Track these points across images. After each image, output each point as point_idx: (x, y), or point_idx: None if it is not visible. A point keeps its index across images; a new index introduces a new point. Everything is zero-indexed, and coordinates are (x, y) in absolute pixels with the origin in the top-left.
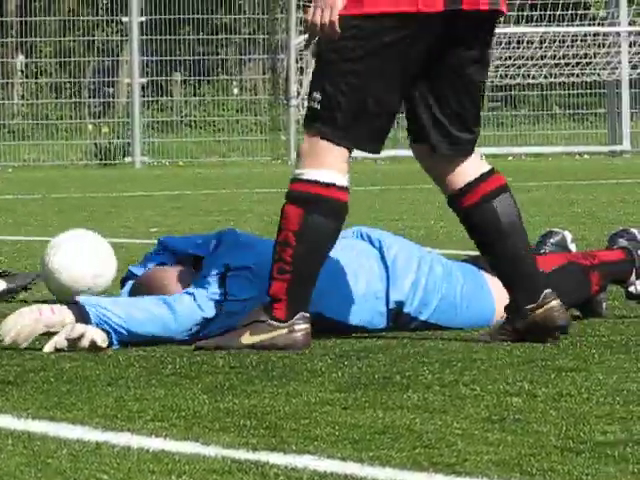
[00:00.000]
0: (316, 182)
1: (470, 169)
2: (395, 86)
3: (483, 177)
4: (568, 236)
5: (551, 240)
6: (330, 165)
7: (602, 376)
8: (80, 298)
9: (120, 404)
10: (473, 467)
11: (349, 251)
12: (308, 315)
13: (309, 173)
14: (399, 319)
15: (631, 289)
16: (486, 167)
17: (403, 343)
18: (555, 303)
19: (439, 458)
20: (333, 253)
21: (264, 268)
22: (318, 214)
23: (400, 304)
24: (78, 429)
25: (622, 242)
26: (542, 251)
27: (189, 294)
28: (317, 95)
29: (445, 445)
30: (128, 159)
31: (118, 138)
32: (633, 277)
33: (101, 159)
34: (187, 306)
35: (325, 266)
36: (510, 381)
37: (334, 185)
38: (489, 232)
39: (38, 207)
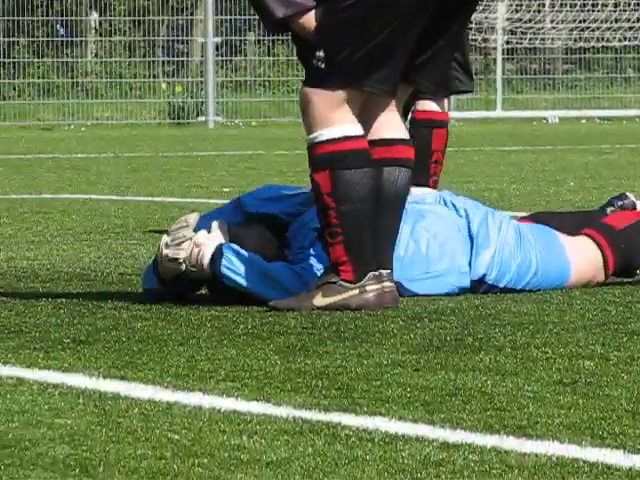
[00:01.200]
0: (332, 140)
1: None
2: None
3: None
4: (639, 204)
5: (619, 202)
6: (341, 119)
7: None
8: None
9: (192, 364)
10: (544, 430)
11: (440, 222)
12: (382, 273)
13: (322, 134)
14: (479, 288)
15: None
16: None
17: (475, 305)
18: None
19: (510, 421)
20: (424, 222)
21: None
22: (345, 169)
23: (482, 277)
24: (149, 389)
25: (619, 203)
26: (608, 210)
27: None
28: (320, 53)
29: (516, 408)
30: (201, 118)
31: (191, 97)
32: None
33: (174, 118)
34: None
35: (422, 235)
36: (582, 344)
37: (350, 137)
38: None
39: (111, 166)
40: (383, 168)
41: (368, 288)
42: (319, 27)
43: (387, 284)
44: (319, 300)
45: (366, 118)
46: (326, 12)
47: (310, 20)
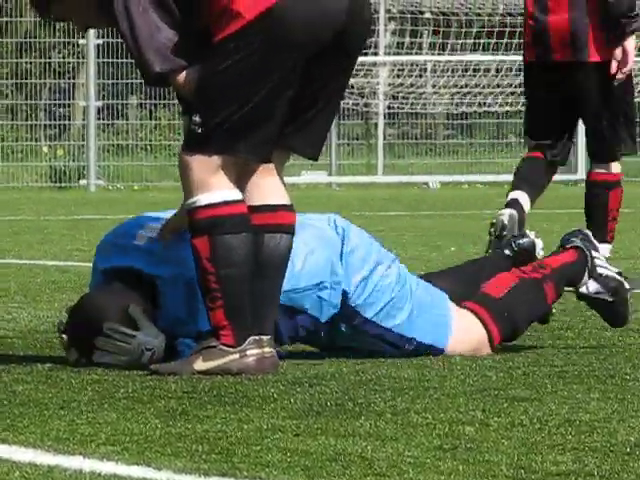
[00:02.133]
0: (210, 205)
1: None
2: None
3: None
4: (539, 244)
5: (520, 241)
6: (219, 184)
7: (554, 406)
8: None
9: (72, 427)
10: None
11: (307, 231)
12: (262, 338)
13: (200, 199)
14: (343, 310)
15: (582, 289)
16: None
17: (355, 370)
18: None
19: None
20: (304, 234)
21: None
22: (223, 234)
23: (345, 295)
24: (30, 452)
25: (572, 242)
26: (506, 251)
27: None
28: (196, 118)
29: (397, 473)
30: (83, 182)
31: (73, 161)
32: (586, 277)
33: (56, 182)
34: None
35: (300, 250)
36: (462, 410)
37: (229, 202)
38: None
39: None
40: (264, 234)
41: (249, 352)
42: (195, 90)
43: (267, 349)
44: (200, 364)
45: (247, 183)
46: (201, 74)
47: (187, 79)
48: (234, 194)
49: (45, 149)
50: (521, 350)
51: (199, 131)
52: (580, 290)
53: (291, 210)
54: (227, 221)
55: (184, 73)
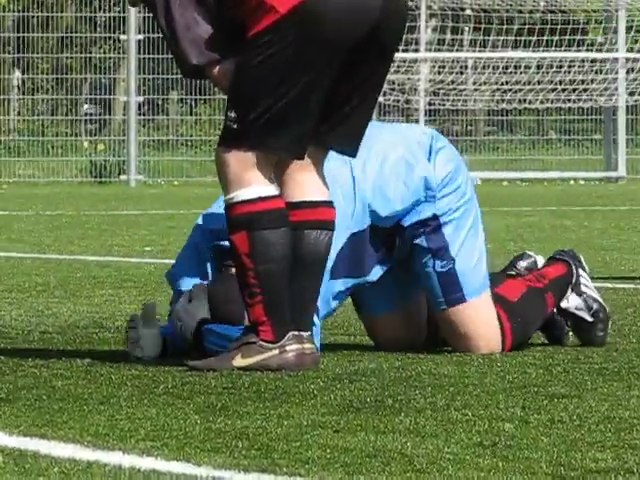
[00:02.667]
0: (248, 201)
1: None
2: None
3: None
4: (540, 260)
5: (522, 263)
6: (256, 180)
7: (594, 403)
8: None
9: (112, 423)
10: None
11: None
12: (302, 334)
13: (238, 195)
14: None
15: (563, 303)
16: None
17: (395, 367)
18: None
19: None
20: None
21: None
22: (261, 229)
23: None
24: (70, 447)
25: (565, 256)
26: (511, 272)
27: None
28: (232, 114)
29: (436, 470)
30: (123, 177)
31: (114, 156)
32: (569, 291)
33: (96, 177)
34: None
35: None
36: (502, 406)
37: (265, 197)
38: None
39: (32, 224)
40: (304, 230)
41: (288, 348)
42: (230, 84)
43: (307, 345)
44: (239, 361)
45: (286, 180)
46: (236, 69)
47: (223, 72)
48: (271, 189)
49: (85, 144)
50: (560, 348)
51: (234, 127)
52: (561, 304)
53: (331, 206)
54: (264, 216)
55: (219, 66)
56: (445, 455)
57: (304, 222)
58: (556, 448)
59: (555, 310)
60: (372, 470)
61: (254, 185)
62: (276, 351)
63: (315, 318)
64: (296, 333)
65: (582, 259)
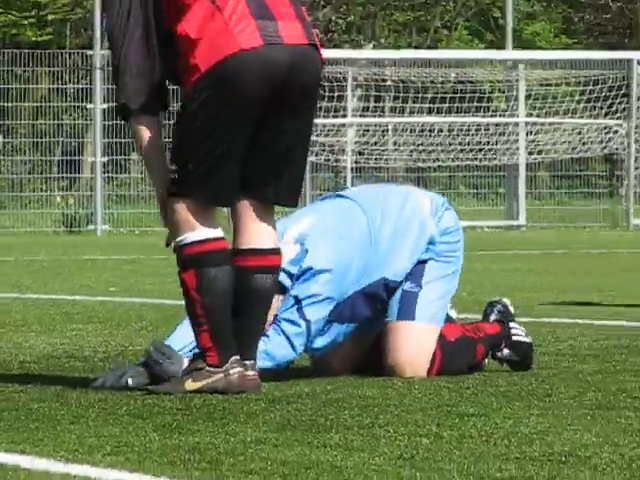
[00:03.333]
0: (196, 242)
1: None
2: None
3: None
4: (507, 302)
5: (497, 308)
6: (202, 223)
7: (499, 421)
8: None
9: (81, 440)
10: None
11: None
12: (246, 362)
13: (186, 237)
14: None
15: (498, 354)
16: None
17: (327, 390)
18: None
19: None
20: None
21: (336, 284)
22: (208, 267)
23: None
24: (44, 461)
25: (496, 312)
26: (491, 317)
27: (284, 335)
28: (171, 166)
29: (363, 479)
30: (91, 227)
31: (83, 209)
32: (503, 344)
33: (68, 226)
34: (284, 348)
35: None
36: (420, 424)
37: (211, 239)
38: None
39: (12, 268)
40: (254, 274)
41: (231, 372)
42: (172, 138)
43: (250, 372)
44: (190, 385)
45: (241, 229)
46: (175, 124)
47: (142, 127)
48: (216, 232)
49: (58, 199)
50: (470, 373)
51: (174, 177)
52: (496, 354)
53: (278, 253)
54: (211, 256)
55: (144, 120)
56: (370, 466)
57: (253, 267)
58: (466, 460)
59: (492, 357)
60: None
61: (200, 228)
62: (221, 375)
63: (302, 321)
64: (238, 357)
65: (509, 306)
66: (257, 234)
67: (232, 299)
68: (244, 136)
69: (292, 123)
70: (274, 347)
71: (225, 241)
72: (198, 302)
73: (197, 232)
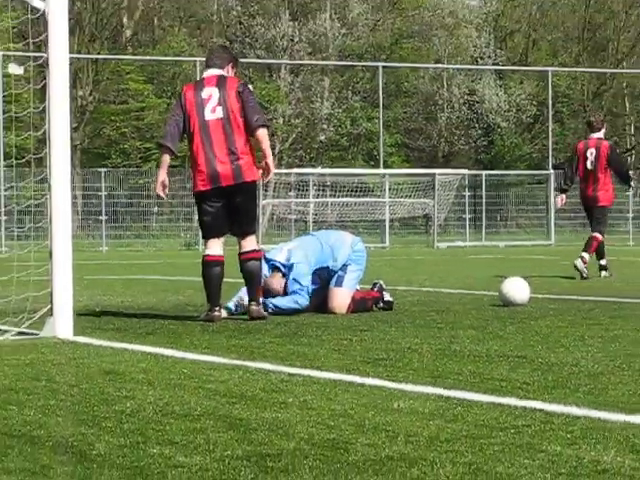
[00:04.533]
0: (207, 255)
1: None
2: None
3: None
4: (382, 281)
5: (377, 284)
6: (211, 246)
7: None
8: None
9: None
10: None
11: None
12: (251, 300)
13: (206, 252)
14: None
15: (378, 305)
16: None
17: (303, 318)
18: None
19: None
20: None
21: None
22: (208, 266)
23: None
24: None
25: (377, 286)
26: (375, 288)
27: (299, 294)
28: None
29: (319, 359)
30: None
31: None
32: (380, 301)
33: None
34: (302, 297)
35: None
36: (346, 327)
37: (214, 255)
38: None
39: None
40: (248, 261)
41: (215, 313)
42: None
43: (254, 307)
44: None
45: (239, 243)
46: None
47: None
48: (214, 251)
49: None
50: (364, 312)
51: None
52: (377, 305)
53: (258, 252)
54: (209, 262)
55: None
56: (318, 353)
57: (249, 258)
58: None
59: (380, 302)
60: None
61: (209, 249)
62: (205, 313)
63: (305, 280)
64: (217, 308)
65: (382, 282)
66: (243, 245)
67: (219, 282)
68: (218, 212)
69: (238, 205)
70: (300, 300)
71: (218, 255)
72: (205, 280)
73: (207, 251)
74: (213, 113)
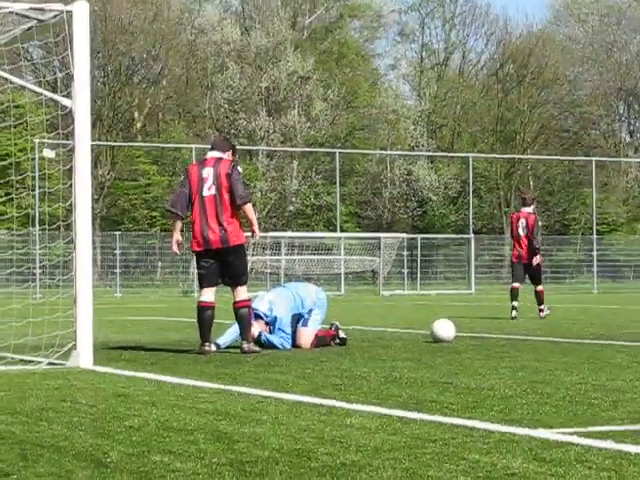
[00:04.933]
0: (201, 301)
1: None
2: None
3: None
4: (337, 323)
5: (334, 324)
6: (205, 294)
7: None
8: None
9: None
10: None
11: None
12: (243, 339)
13: (200, 299)
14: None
15: (335, 341)
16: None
17: (291, 353)
18: None
19: None
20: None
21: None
22: (203, 311)
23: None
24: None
25: (334, 326)
26: (332, 327)
27: (284, 340)
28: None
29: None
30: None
31: None
32: (337, 338)
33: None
34: (285, 341)
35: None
36: (309, 358)
37: (207, 301)
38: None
39: None
40: (240, 309)
41: (206, 348)
42: None
43: (245, 346)
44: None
45: (233, 292)
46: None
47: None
48: (207, 298)
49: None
50: (324, 347)
51: (200, 282)
52: (334, 341)
53: (246, 300)
54: (204, 307)
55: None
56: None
57: (238, 306)
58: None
59: (335, 339)
60: None
61: (203, 295)
62: (199, 347)
63: (288, 329)
64: (207, 343)
65: (338, 323)
66: (235, 295)
67: (210, 322)
68: (212, 266)
69: (228, 261)
70: (286, 345)
71: (210, 302)
72: (198, 321)
73: (201, 297)
74: (209, 190)
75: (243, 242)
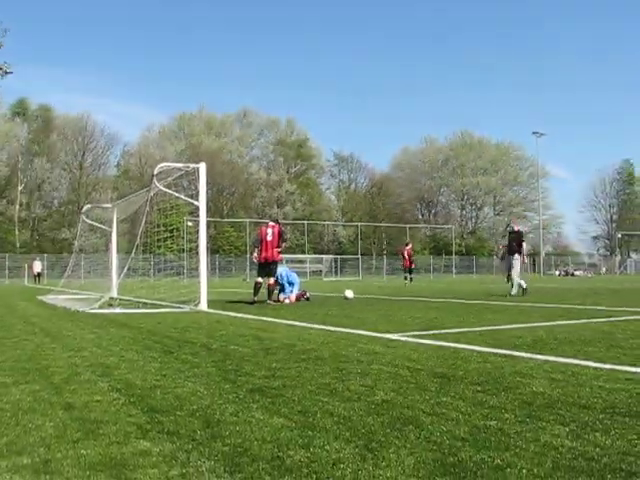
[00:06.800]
0: (256, 281)
1: None
2: None
3: None
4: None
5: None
6: (257, 278)
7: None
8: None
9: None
10: None
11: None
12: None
13: (257, 280)
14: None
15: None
16: None
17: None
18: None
19: None
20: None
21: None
22: (257, 282)
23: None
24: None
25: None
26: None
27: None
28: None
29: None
30: None
31: None
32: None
33: None
34: (296, 287)
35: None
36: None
37: (259, 282)
38: None
39: None
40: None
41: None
42: None
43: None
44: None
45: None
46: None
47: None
48: (260, 280)
49: None
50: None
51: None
52: (304, 297)
53: (273, 283)
54: (256, 285)
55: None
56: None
57: (269, 285)
58: None
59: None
60: None
61: (258, 279)
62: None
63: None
64: (255, 298)
65: (306, 290)
66: (268, 281)
67: (259, 289)
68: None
69: (270, 266)
70: (295, 288)
71: (260, 281)
72: (254, 287)
73: (257, 279)
74: (268, 237)
75: (278, 259)
